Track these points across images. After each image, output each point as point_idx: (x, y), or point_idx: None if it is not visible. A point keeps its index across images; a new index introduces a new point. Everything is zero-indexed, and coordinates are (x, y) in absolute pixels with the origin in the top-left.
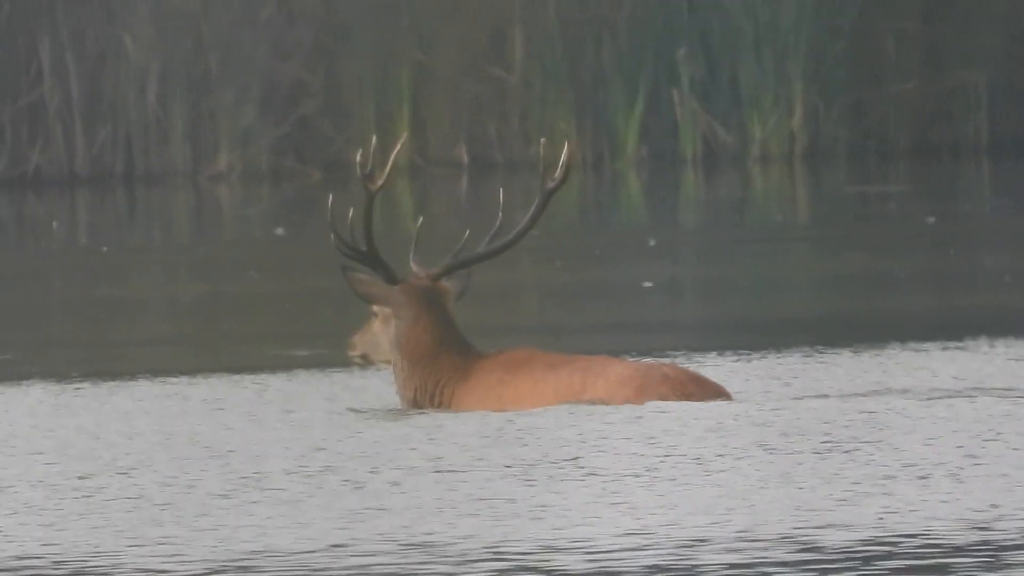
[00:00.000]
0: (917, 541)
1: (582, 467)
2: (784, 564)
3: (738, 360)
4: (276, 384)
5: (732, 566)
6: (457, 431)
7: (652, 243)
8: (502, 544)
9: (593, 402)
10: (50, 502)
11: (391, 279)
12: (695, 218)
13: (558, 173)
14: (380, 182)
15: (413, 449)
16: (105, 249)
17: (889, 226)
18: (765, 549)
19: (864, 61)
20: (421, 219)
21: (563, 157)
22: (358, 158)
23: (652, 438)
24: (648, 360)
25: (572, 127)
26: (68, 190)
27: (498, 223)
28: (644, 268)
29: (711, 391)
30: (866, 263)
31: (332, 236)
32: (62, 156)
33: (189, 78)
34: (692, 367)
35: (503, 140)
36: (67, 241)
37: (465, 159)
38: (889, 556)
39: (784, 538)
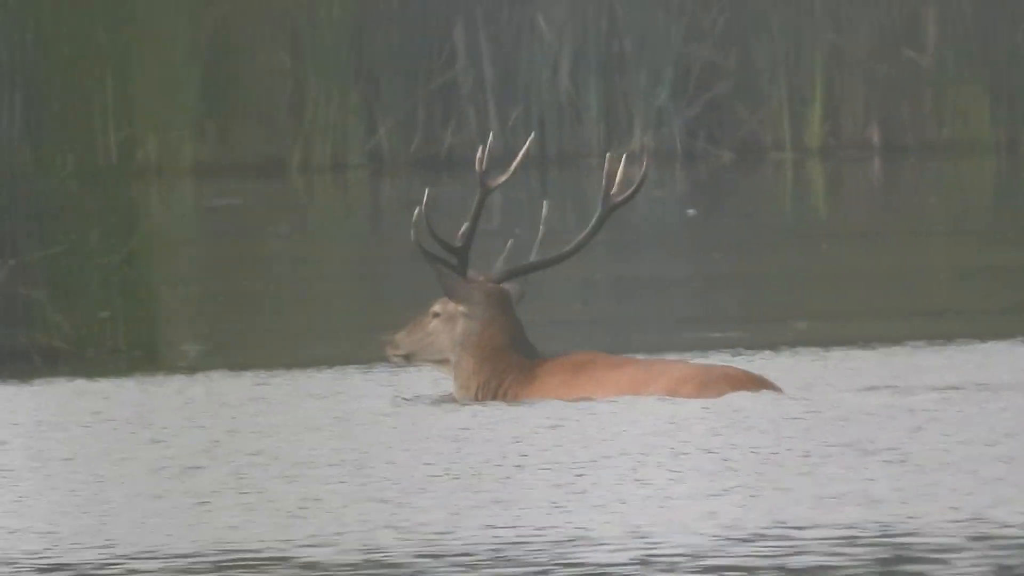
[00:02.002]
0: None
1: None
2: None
3: None
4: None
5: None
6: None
7: None
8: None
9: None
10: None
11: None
12: None
13: (628, 190)
14: (500, 180)
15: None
16: (518, 231)
17: None
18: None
19: None
20: (511, 242)
21: (618, 171)
22: (478, 154)
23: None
24: (709, 362)
25: (986, 110)
26: None
27: (540, 233)
28: None
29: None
30: None
31: (413, 230)
32: (475, 137)
33: (602, 59)
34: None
35: (915, 122)
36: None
37: (877, 141)
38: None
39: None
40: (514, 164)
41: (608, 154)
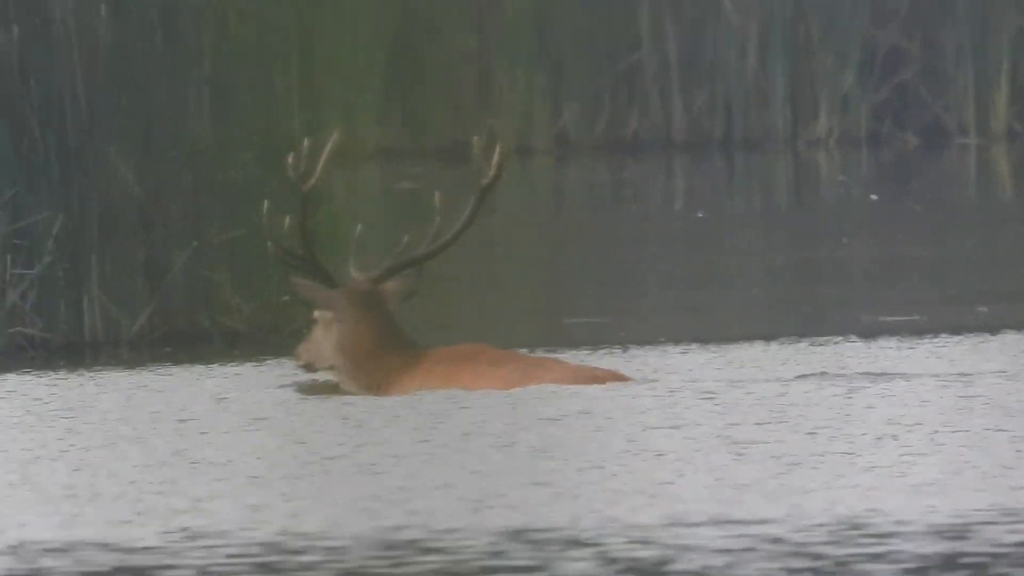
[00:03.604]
0: None
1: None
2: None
3: None
4: (857, 350)
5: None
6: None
7: None
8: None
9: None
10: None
11: (330, 283)
12: None
13: (492, 171)
14: (311, 182)
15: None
16: (701, 215)
17: None
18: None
19: None
20: (360, 227)
21: (495, 155)
22: (289, 159)
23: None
24: (583, 363)
25: None
26: (665, 155)
27: (436, 224)
28: None
29: None
30: None
31: (270, 243)
32: (660, 121)
33: (788, 42)
34: None
35: None
36: (663, 206)
37: None
38: None
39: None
40: (320, 162)
41: (475, 138)
